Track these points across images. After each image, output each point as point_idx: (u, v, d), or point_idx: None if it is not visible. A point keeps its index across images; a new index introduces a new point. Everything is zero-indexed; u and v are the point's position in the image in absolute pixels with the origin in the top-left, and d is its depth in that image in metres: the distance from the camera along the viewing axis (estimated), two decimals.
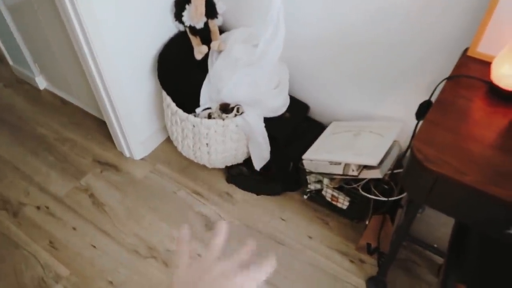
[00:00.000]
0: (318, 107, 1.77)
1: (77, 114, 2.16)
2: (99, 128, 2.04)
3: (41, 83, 2.31)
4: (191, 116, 1.59)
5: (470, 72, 1.11)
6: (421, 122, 1.28)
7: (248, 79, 1.51)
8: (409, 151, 0.99)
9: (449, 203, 0.95)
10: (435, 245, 1.61)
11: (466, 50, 1.17)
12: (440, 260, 1.54)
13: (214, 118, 1.60)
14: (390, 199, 1.44)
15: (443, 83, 1.10)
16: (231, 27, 1.76)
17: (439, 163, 0.89)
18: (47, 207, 1.74)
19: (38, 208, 1.74)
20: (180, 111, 1.61)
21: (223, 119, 1.58)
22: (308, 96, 1.76)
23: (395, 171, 1.54)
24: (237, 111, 1.57)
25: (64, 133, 2.07)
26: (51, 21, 1.72)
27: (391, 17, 1.33)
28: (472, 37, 1.14)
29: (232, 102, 1.58)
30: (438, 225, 1.66)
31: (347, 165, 1.47)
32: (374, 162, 1.40)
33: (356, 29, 1.43)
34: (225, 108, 1.57)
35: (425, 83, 1.41)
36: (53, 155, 1.96)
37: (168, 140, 1.97)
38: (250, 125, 1.57)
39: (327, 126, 1.78)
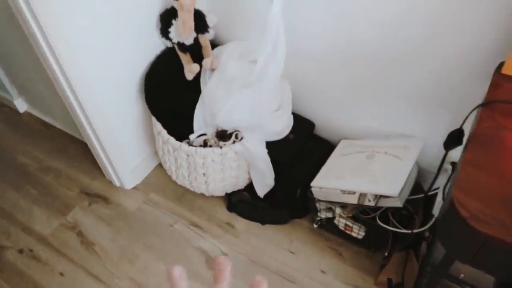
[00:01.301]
0: (325, 124, 1.61)
1: (61, 139, 1.99)
2: (85, 154, 1.86)
3: (21, 105, 2.13)
4: (184, 145, 1.42)
5: (507, 94, 0.95)
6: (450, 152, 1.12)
7: (247, 102, 1.34)
8: (442, 194, 0.83)
9: (499, 266, 0.79)
10: (462, 275, 1.46)
11: (500, 65, 1.00)
12: None
13: (210, 145, 1.43)
14: (413, 231, 1.29)
15: (477, 109, 0.93)
16: (224, 40, 1.58)
17: (488, 221, 0.73)
18: (31, 250, 1.58)
19: (21, 251, 1.58)
20: (172, 139, 1.44)
21: (221, 147, 1.41)
22: (313, 112, 1.60)
23: (413, 197, 1.39)
24: (236, 137, 1.40)
25: (47, 161, 1.89)
26: (24, 40, 1.53)
27: (408, 26, 1.16)
28: (506, 49, 0.98)
29: (229, 127, 1.41)
30: None
31: (362, 195, 1.31)
32: (394, 192, 1.24)
33: (367, 39, 1.26)
34: (223, 135, 1.40)
35: (449, 98, 1.25)
36: (36, 188, 1.79)
37: (161, 165, 1.81)
38: (250, 151, 1.40)
39: (335, 145, 1.62)
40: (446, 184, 1.36)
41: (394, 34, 1.19)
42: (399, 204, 1.28)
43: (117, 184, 1.77)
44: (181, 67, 1.51)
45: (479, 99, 0.99)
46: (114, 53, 1.40)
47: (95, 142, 1.59)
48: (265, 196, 1.58)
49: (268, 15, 1.16)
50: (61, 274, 1.51)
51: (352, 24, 1.25)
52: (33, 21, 1.16)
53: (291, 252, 1.53)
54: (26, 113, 2.14)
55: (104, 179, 1.80)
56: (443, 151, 1.41)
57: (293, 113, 1.53)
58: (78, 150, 1.92)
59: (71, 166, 1.87)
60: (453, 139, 1.02)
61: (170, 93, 1.50)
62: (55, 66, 1.30)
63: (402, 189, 1.26)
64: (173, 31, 1.46)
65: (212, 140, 1.43)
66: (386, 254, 1.43)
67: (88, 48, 1.30)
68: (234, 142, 1.41)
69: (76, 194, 1.75)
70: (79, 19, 1.23)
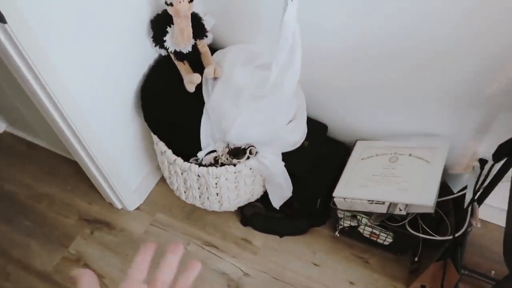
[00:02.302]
0: (338, 125, 1.51)
1: (49, 160, 1.83)
2: (79, 174, 1.70)
3: None
4: (194, 166, 1.30)
5: None
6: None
7: (261, 116, 1.22)
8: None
9: None
10: (493, 272, 1.42)
11: None
12: None
13: (222, 162, 1.32)
14: (454, 236, 1.22)
15: None
16: (223, 44, 1.44)
17: None
18: None
19: None
20: (179, 160, 1.32)
21: (234, 165, 1.29)
22: (326, 114, 1.49)
23: (441, 199, 1.32)
24: (250, 152, 1.29)
25: (37, 187, 1.74)
26: None
27: (442, 24, 1.05)
28: None
29: (242, 144, 1.29)
30: (490, 245, 1.47)
31: (393, 204, 1.23)
32: (429, 202, 1.16)
33: (394, 38, 1.15)
34: (236, 153, 1.28)
35: (481, 95, 1.17)
36: (29, 219, 1.64)
37: (162, 181, 1.68)
38: (268, 167, 1.29)
39: (350, 146, 1.52)
40: (477, 183, 1.30)
41: (427, 32, 1.08)
42: (431, 210, 1.21)
43: (119, 206, 1.64)
44: (179, 78, 1.37)
45: None
46: (101, 68, 1.24)
47: (91, 165, 1.44)
48: (280, 206, 1.49)
49: (282, 19, 1.03)
50: None
51: (374, 19, 1.13)
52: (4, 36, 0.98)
53: (315, 265, 1.45)
54: (5, 133, 1.96)
55: (103, 201, 1.67)
56: (470, 151, 1.35)
57: None
58: (70, 171, 1.77)
59: (64, 190, 1.72)
60: (504, 150, 0.94)
61: (170, 108, 1.36)
62: (37, 89, 1.13)
63: (435, 195, 1.19)
64: (168, 40, 1.31)
65: (224, 158, 1.31)
66: (416, 259, 1.37)
67: (72, 65, 1.14)
68: (248, 157, 1.29)
69: (75, 222, 1.62)
70: (59, 31, 1.06)
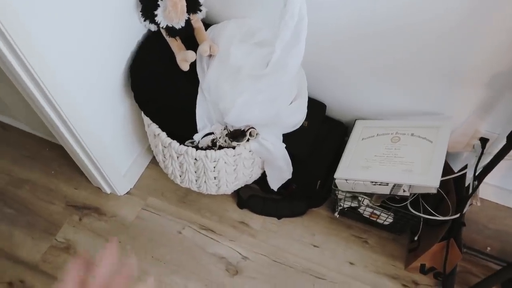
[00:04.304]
0: (337, 104, 1.46)
1: (28, 143, 1.71)
2: (63, 158, 1.61)
3: None
4: (191, 149, 1.23)
5: None
6: None
7: (262, 97, 1.16)
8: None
9: None
10: (488, 248, 1.44)
11: None
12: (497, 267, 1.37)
13: (220, 145, 1.25)
14: (450, 218, 1.22)
15: None
16: (218, 18, 1.35)
17: None
18: (22, 281, 1.38)
19: (11, 285, 1.37)
20: (175, 143, 1.25)
21: (234, 147, 1.24)
22: (324, 92, 1.44)
23: (443, 178, 1.31)
24: (251, 134, 1.23)
25: (17, 172, 1.63)
26: None
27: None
28: None
29: (241, 125, 1.23)
30: (486, 222, 1.49)
31: (397, 186, 1.21)
32: (435, 183, 1.15)
33: (398, 12, 1.09)
34: (236, 135, 1.22)
35: (486, 74, 1.14)
36: (11, 206, 1.54)
37: (153, 163, 1.61)
38: (269, 150, 1.24)
39: (349, 126, 1.49)
40: (478, 162, 1.30)
41: (431, 9, 1.03)
42: (434, 191, 1.20)
43: (108, 191, 1.56)
44: (170, 55, 1.28)
45: None
46: (86, 45, 1.13)
47: (77, 148, 1.35)
48: (278, 188, 1.45)
49: None
50: None
51: None
52: None
53: (315, 246, 1.44)
54: None
55: (91, 186, 1.58)
56: (471, 129, 1.33)
57: None
58: (53, 155, 1.67)
59: (47, 175, 1.62)
60: None
61: (162, 88, 1.28)
62: (16, 67, 1.02)
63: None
64: (160, 14, 1.21)
65: (222, 140, 1.24)
66: (416, 238, 1.37)
67: (54, 41, 1.02)
68: (248, 140, 1.23)
69: (62, 208, 1.53)
70: (39, 2, 0.95)
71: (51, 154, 1.67)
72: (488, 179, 1.39)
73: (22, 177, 1.61)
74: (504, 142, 1.14)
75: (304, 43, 1.05)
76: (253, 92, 1.15)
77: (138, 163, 1.59)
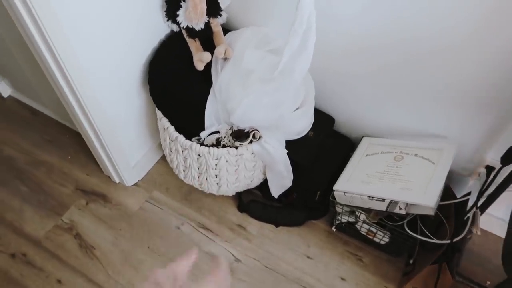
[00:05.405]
0: (346, 119, 1.48)
1: (52, 128, 1.82)
2: (80, 145, 1.70)
3: (5, 89, 1.93)
4: (195, 145, 1.28)
5: None
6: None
7: (268, 100, 1.20)
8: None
9: None
10: (488, 282, 1.39)
11: None
12: None
13: (224, 144, 1.29)
14: (452, 241, 1.19)
15: None
16: (237, 25, 1.42)
17: None
18: (24, 254, 1.44)
19: (13, 256, 1.44)
20: (181, 138, 1.30)
21: (236, 147, 1.27)
22: (334, 107, 1.46)
23: (443, 202, 1.29)
24: (254, 136, 1.26)
25: (37, 154, 1.73)
26: (5, 20, 1.33)
27: (453, 16, 1.02)
28: None
29: (245, 126, 1.27)
30: (489, 255, 1.44)
31: (393, 203, 1.20)
32: (430, 202, 1.14)
33: (407, 27, 1.12)
34: (239, 135, 1.26)
35: (493, 99, 1.13)
36: (26, 184, 1.63)
37: (163, 159, 1.67)
38: (270, 153, 1.27)
39: (355, 142, 1.50)
40: (481, 189, 1.27)
41: (441, 22, 1.05)
42: (431, 212, 1.19)
43: (117, 180, 1.62)
44: (188, 55, 1.35)
45: None
46: (112, 38, 1.22)
47: (93, 136, 1.43)
48: (279, 195, 1.47)
49: (299, 2, 1.01)
50: (59, 281, 1.38)
51: (394, 8, 1.10)
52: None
53: (309, 258, 1.43)
54: (10, 98, 1.95)
55: (102, 174, 1.65)
56: (478, 155, 1.31)
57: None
58: (71, 141, 1.76)
59: (64, 160, 1.71)
60: None
61: (177, 85, 1.34)
62: (47, 55, 1.12)
63: (437, 197, 1.16)
64: (181, 15, 1.29)
65: (226, 139, 1.29)
66: (411, 261, 1.34)
67: (82, 32, 1.12)
68: (251, 141, 1.27)
69: (72, 192, 1.60)
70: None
71: (70, 140, 1.76)
72: (493, 211, 1.37)
73: (41, 159, 1.71)
74: (508, 172, 1.12)
75: (311, 50, 1.09)
76: (259, 94, 1.20)
77: (148, 157, 1.65)
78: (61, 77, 1.20)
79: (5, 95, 1.94)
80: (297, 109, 1.27)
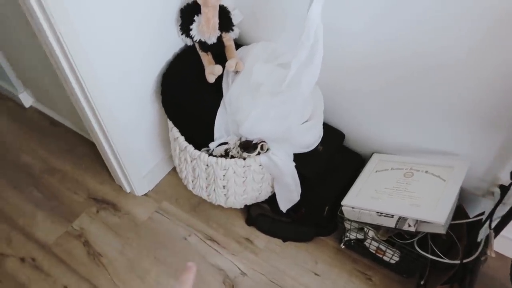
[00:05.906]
0: (356, 135, 1.47)
1: (68, 138, 1.87)
2: (93, 155, 1.74)
3: (26, 100, 2.00)
4: (204, 155, 1.29)
5: None
6: None
7: (276, 112, 1.21)
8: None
9: None
10: None
11: None
12: None
13: (232, 155, 1.30)
14: (456, 262, 1.15)
15: None
16: (249, 40, 1.45)
17: None
18: (33, 259, 1.46)
19: (23, 260, 1.46)
20: (190, 147, 1.31)
21: (244, 159, 1.28)
22: (344, 123, 1.46)
23: (455, 222, 1.26)
24: (261, 148, 1.27)
25: (52, 162, 1.77)
26: (29, 33, 1.40)
27: (462, 34, 1.02)
28: None
29: (254, 138, 1.27)
30: (504, 280, 1.38)
31: (402, 219, 1.18)
32: (440, 219, 1.10)
33: (416, 44, 1.11)
34: (247, 146, 1.26)
35: (506, 118, 1.11)
36: (40, 191, 1.67)
37: (174, 171, 1.68)
38: (277, 165, 1.27)
39: (365, 158, 1.48)
40: (494, 209, 1.23)
41: (452, 38, 1.04)
42: (442, 231, 1.15)
43: (128, 190, 1.65)
44: (201, 68, 1.37)
45: None
46: (128, 50, 1.26)
47: (105, 145, 1.46)
48: (287, 210, 1.45)
49: (306, 16, 1.02)
50: (65, 287, 1.39)
51: (401, 25, 1.10)
52: (40, 13, 1.02)
53: (316, 274, 1.40)
54: (31, 108, 2.02)
55: (114, 183, 1.68)
56: (491, 174, 1.28)
57: (323, 123, 1.39)
58: (86, 151, 1.80)
59: (78, 168, 1.74)
60: None
61: (189, 96, 1.37)
62: (63, 63, 1.17)
63: (448, 215, 1.13)
64: (195, 29, 1.32)
65: (235, 150, 1.29)
66: (422, 282, 1.30)
67: (100, 44, 1.16)
68: (259, 153, 1.27)
69: (83, 199, 1.63)
70: (90, 10, 1.09)
71: (85, 150, 1.80)
72: (509, 233, 1.32)
73: (56, 167, 1.75)
74: None
75: (319, 64, 1.10)
76: (267, 106, 1.21)
77: (159, 168, 1.67)
78: (79, 89, 1.24)
79: (27, 105, 2.01)
80: (305, 122, 1.28)
